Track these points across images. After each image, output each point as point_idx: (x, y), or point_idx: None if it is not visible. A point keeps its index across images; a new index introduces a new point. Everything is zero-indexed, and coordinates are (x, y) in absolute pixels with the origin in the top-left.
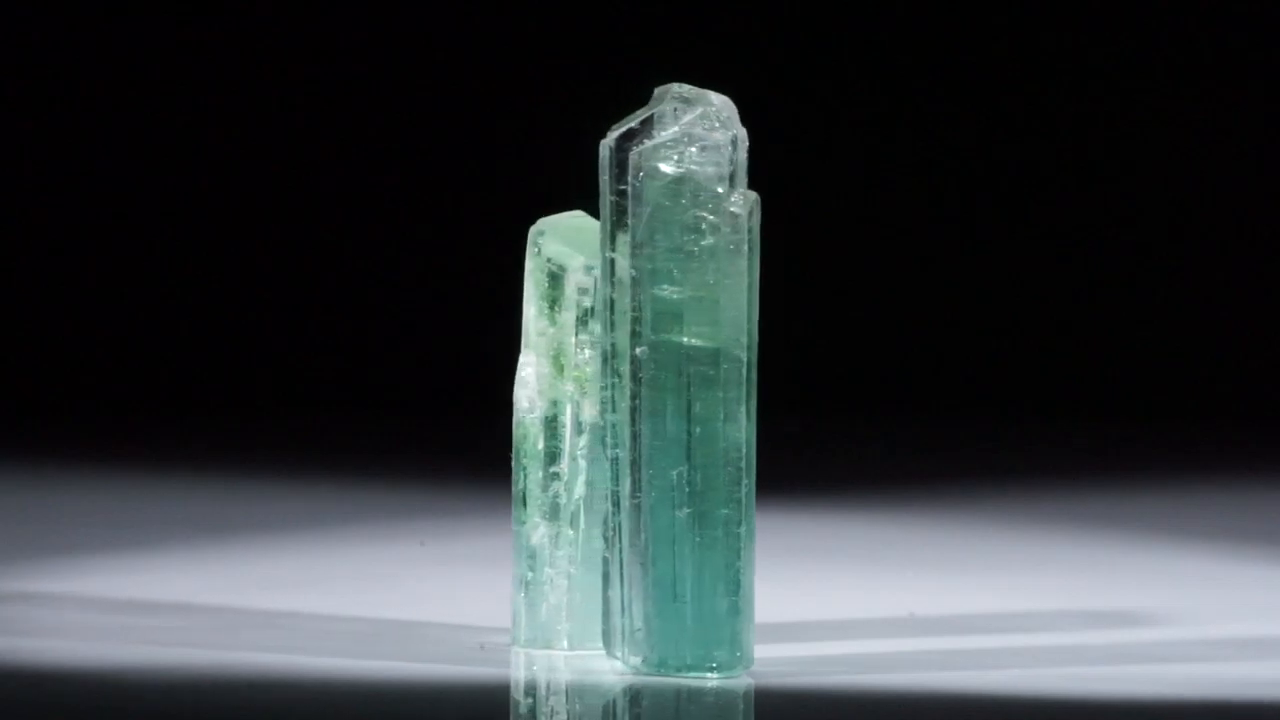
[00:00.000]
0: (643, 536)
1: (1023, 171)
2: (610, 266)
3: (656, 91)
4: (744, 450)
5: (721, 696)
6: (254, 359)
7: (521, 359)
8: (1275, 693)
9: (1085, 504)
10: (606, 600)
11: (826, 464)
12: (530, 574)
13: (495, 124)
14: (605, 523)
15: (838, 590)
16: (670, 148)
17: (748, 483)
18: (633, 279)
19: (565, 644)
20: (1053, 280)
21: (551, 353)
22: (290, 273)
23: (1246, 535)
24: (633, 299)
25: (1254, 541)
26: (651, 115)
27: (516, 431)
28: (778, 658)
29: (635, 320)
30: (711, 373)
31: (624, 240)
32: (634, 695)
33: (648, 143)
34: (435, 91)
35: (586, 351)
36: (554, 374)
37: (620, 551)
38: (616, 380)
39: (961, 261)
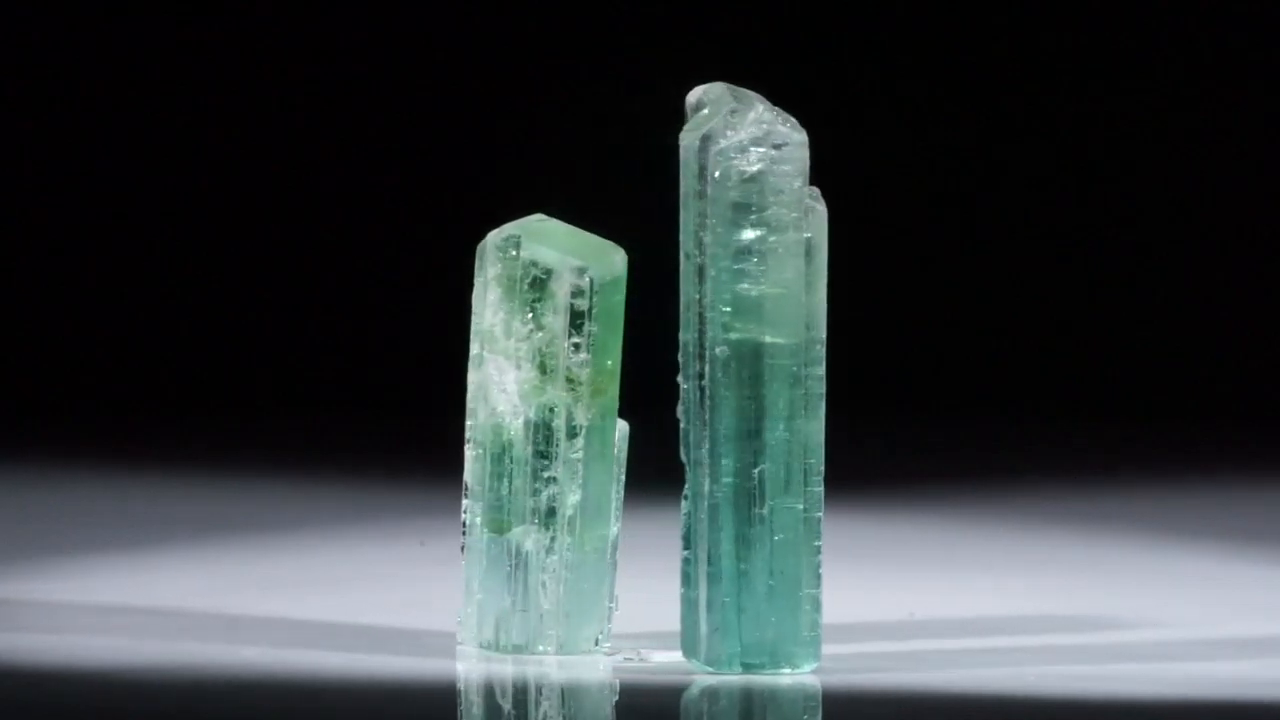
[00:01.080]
0: (725, 535)
1: (1022, 172)
2: (690, 265)
3: (702, 91)
4: (819, 446)
5: (798, 693)
6: (254, 359)
7: (489, 366)
8: (1275, 693)
9: (1085, 504)
10: (689, 601)
11: (825, 464)
12: (521, 581)
13: (495, 123)
14: (685, 524)
15: (838, 590)
16: (749, 147)
17: (819, 478)
18: (712, 277)
19: (554, 649)
20: (1053, 280)
21: (536, 357)
22: (290, 272)
23: (1246, 535)
24: (713, 297)
25: (1254, 541)
26: (727, 114)
27: (488, 437)
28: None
29: (714, 319)
30: (793, 369)
31: (704, 239)
32: (711, 694)
33: (724, 142)
34: (436, 92)
35: (581, 354)
36: (539, 378)
37: (703, 551)
38: (696, 379)
39: (962, 261)
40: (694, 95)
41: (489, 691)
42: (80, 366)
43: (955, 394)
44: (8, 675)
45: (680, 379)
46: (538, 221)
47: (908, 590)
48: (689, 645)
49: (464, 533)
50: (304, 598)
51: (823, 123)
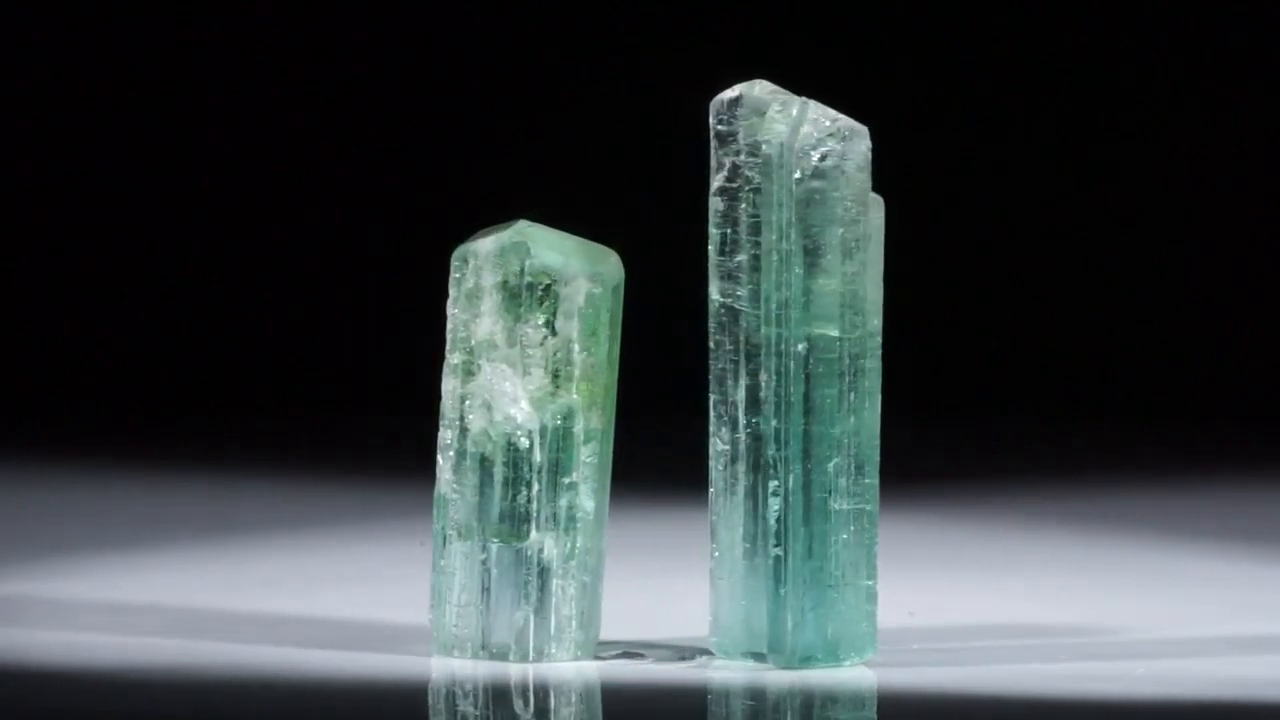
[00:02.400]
0: (806, 531)
1: (1022, 171)
2: (770, 260)
3: (745, 88)
4: (875, 439)
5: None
6: (254, 359)
7: (485, 375)
8: (1275, 693)
9: (1085, 504)
10: (780, 598)
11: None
12: (542, 588)
13: (495, 124)
14: (777, 520)
15: None
16: (820, 144)
17: (876, 470)
18: (796, 273)
19: (575, 654)
20: (1053, 280)
21: (549, 364)
22: (290, 272)
23: (1246, 535)
24: (783, 294)
25: (1254, 541)
26: (797, 111)
27: (490, 446)
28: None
29: (788, 315)
30: (863, 363)
31: (773, 237)
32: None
33: (797, 140)
34: (436, 92)
35: (591, 359)
36: (553, 385)
37: (799, 546)
38: (770, 376)
39: (961, 261)
40: (733, 92)
41: (525, 697)
42: (80, 366)
43: (955, 394)
44: (7, 675)
45: (759, 375)
46: (527, 226)
47: (908, 590)
48: (775, 642)
49: (444, 542)
50: (304, 598)
51: None
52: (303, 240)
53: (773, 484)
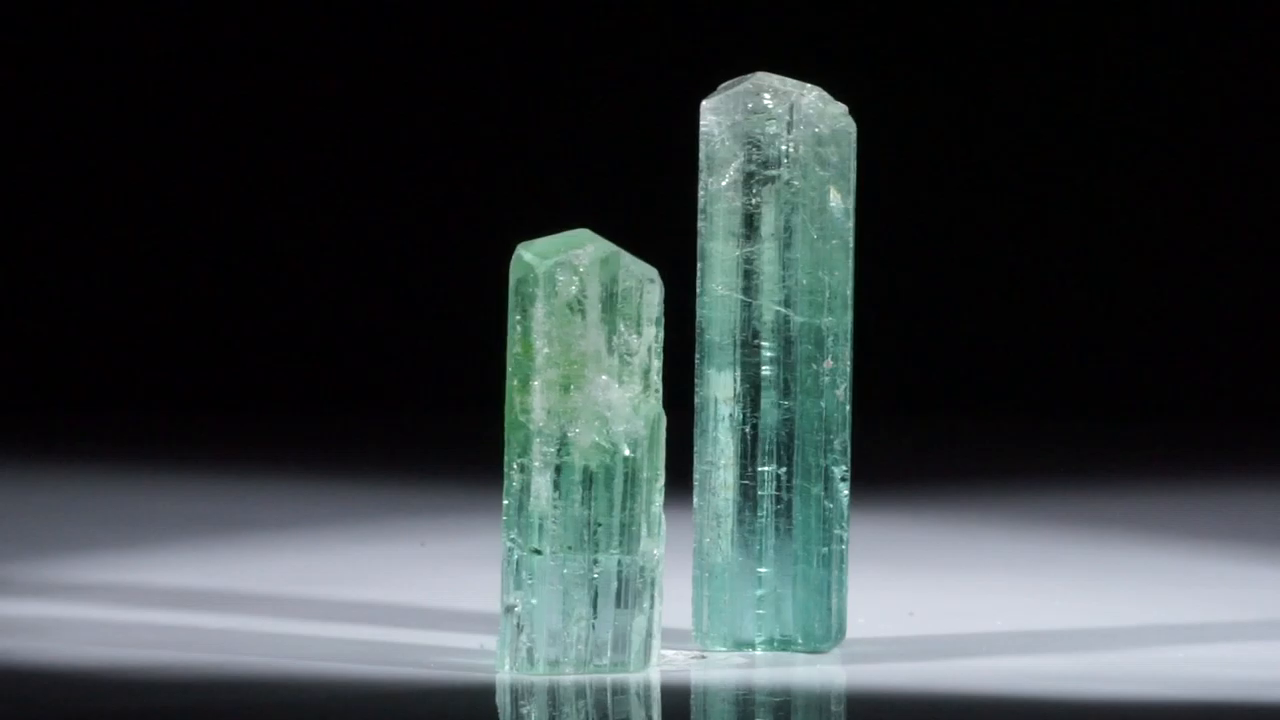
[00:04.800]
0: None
1: (1021, 171)
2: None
3: (756, 80)
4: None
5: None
6: (255, 358)
7: (593, 388)
8: (1274, 693)
9: (1085, 504)
10: (842, 584)
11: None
12: (649, 596)
13: (500, 130)
14: (844, 506)
15: None
16: (817, 139)
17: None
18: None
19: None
20: (1054, 280)
21: (642, 371)
22: (290, 272)
23: (1246, 535)
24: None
25: (1254, 541)
26: (792, 105)
27: (598, 458)
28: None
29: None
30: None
31: (771, 230)
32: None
33: (806, 124)
34: (438, 91)
35: (659, 364)
36: (643, 392)
37: (843, 533)
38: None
39: (961, 261)
40: (731, 85)
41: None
42: (81, 366)
43: (955, 394)
44: (7, 675)
45: (825, 363)
46: (585, 236)
47: (907, 590)
48: (824, 632)
49: (530, 561)
50: (303, 597)
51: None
52: (303, 240)
53: (844, 469)
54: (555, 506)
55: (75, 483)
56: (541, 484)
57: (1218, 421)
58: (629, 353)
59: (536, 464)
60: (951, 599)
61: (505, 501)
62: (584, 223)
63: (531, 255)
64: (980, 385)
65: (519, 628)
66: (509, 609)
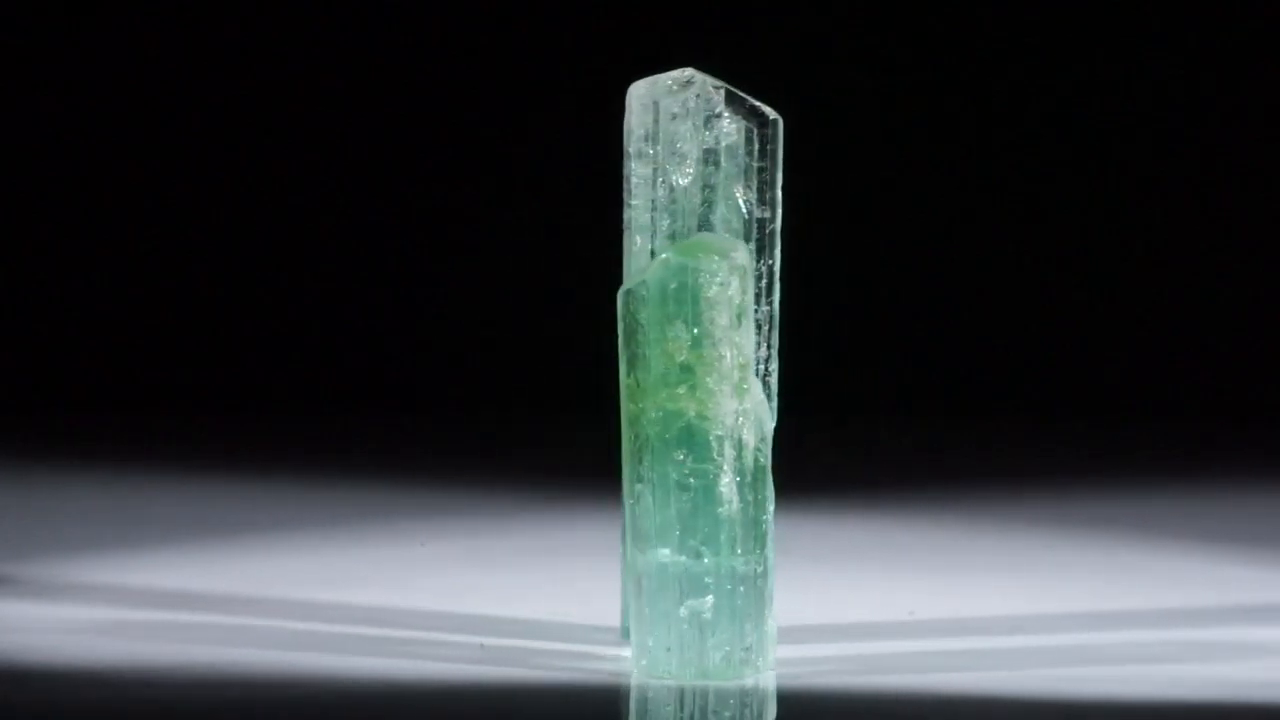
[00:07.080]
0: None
1: (1020, 171)
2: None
3: (682, 75)
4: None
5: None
6: (256, 358)
7: (757, 391)
8: (1272, 694)
9: (1085, 505)
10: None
11: (825, 465)
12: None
13: (508, 128)
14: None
15: (837, 590)
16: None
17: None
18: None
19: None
20: (1053, 280)
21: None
22: (290, 272)
23: (1245, 536)
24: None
25: (1252, 542)
26: (709, 97)
27: (741, 464)
28: (783, 659)
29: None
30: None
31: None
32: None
33: (771, 112)
34: (439, 91)
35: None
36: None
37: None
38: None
39: (960, 261)
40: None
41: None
42: (81, 366)
43: (955, 394)
44: (5, 675)
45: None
46: (713, 237)
47: (907, 590)
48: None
49: (718, 566)
50: (303, 598)
51: (810, 120)
52: (302, 240)
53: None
54: (739, 510)
55: (75, 483)
56: (726, 488)
57: (1218, 421)
58: (753, 354)
59: (725, 469)
60: (951, 599)
61: (678, 507)
62: (585, 223)
63: (699, 259)
64: (980, 386)
65: (703, 633)
66: (694, 614)
